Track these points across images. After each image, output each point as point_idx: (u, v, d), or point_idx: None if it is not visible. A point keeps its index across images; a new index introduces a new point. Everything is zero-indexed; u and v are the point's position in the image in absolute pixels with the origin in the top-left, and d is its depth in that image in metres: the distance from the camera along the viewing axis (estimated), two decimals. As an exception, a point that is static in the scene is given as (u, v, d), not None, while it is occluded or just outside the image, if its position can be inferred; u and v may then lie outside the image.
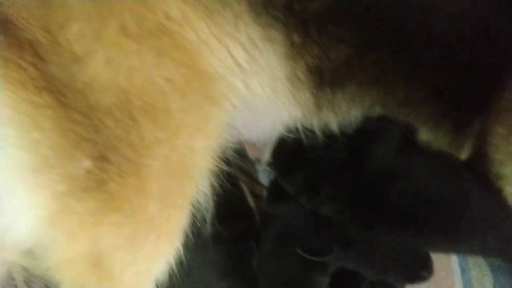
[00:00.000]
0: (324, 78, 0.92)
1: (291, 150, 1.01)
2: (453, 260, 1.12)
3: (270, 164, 1.08)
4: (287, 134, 1.01)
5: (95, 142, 0.77)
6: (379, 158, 0.97)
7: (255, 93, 0.92)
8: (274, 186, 1.08)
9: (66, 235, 0.82)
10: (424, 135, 0.98)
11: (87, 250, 0.82)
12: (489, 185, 0.93)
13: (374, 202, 0.93)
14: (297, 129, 1.00)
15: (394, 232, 0.93)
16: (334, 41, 0.89)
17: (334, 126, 0.98)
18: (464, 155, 0.99)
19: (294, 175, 0.99)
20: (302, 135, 0.99)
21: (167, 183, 0.83)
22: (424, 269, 0.94)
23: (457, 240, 0.92)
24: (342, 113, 0.96)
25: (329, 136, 1.00)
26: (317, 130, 0.98)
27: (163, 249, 0.87)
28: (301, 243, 0.98)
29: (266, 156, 1.10)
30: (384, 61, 0.91)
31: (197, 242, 0.91)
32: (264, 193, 1.12)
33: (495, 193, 0.92)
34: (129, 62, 0.79)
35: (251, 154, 1.16)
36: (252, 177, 1.15)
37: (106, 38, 0.78)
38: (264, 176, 1.14)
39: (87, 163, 0.77)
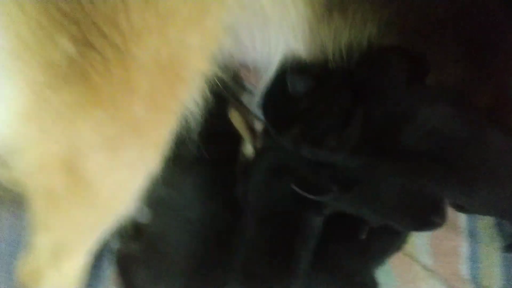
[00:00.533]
0: None
1: (281, 102, 0.92)
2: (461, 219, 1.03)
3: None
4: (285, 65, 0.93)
5: (80, 23, 0.68)
6: (388, 96, 0.88)
7: None
8: None
9: (40, 133, 0.74)
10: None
11: (63, 151, 0.74)
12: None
13: (387, 147, 0.85)
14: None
15: (408, 176, 0.85)
16: None
17: (345, 40, 0.89)
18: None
19: (290, 129, 0.89)
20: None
21: (157, 81, 0.74)
22: (436, 215, 0.84)
23: (474, 188, 0.84)
24: (355, 25, 0.87)
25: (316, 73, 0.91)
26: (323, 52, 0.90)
27: (147, 160, 0.79)
28: (296, 177, 0.89)
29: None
30: None
31: (178, 162, 0.83)
32: (259, 125, 1.04)
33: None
34: None
35: (249, 82, 1.06)
36: (247, 109, 1.06)
37: None
38: None
39: (69, 48, 0.68)
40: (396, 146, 0.85)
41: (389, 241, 0.93)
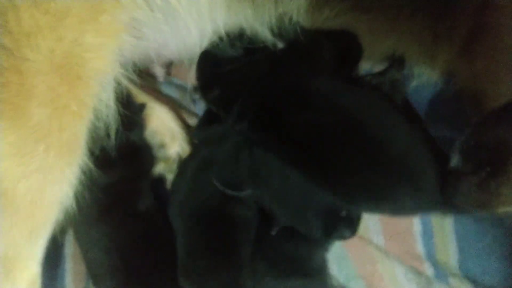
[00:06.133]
0: None
1: (213, 64, 0.88)
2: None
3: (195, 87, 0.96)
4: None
5: None
6: (299, 79, 0.81)
7: None
8: (206, 112, 0.96)
9: None
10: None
11: None
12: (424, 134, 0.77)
13: (280, 125, 0.78)
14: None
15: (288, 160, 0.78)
16: None
17: (272, 20, 0.83)
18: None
19: (210, 92, 0.86)
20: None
21: (54, 83, 0.70)
22: (346, 226, 0.79)
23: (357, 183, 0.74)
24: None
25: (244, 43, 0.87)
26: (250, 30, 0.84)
27: (57, 163, 0.75)
28: (219, 173, 0.85)
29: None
30: None
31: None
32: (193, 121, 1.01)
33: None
34: None
35: (183, 79, 1.03)
36: (184, 107, 1.03)
37: None
38: (200, 106, 1.01)
39: None
40: (287, 127, 0.77)
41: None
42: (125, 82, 0.81)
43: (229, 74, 0.85)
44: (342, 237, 0.81)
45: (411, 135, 0.73)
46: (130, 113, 0.85)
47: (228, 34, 0.86)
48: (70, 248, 1.00)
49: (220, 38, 0.86)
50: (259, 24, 0.86)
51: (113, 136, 0.82)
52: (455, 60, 0.82)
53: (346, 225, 0.79)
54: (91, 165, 0.79)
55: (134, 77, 0.84)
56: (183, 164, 0.93)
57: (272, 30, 0.87)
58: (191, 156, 0.94)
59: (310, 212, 0.80)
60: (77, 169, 0.78)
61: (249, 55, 0.86)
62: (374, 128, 0.73)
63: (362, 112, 0.74)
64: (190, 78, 0.98)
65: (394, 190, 0.72)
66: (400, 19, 0.80)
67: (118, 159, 0.84)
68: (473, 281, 0.94)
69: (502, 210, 0.64)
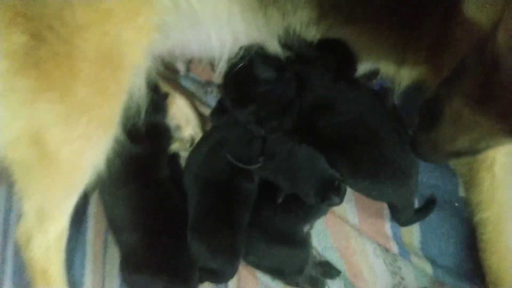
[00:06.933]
0: None
1: (243, 81, 1.03)
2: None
3: (220, 88, 1.11)
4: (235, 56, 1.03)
5: (31, 17, 0.80)
6: (316, 90, 1.01)
7: None
8: (220, 101, 1.11)
9: (10, 112, 0.86)
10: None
11: (29, 126, 0.86)
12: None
13: (305, 129, 0.99)
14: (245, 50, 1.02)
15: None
16: None
17: (281, 30, 0.98)
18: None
19: (245, 107, 1.01)
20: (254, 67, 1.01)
21: (98, 68, 0.85)
22: (335, 194, 0.95)
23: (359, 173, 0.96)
24: (289, 14, 0.96)
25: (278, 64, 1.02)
26: (264, 41, 0.99)
27: (96, 132, 0.89)
28: (232, 150, 1.00)
29: (215, 78, 1.12)
30: None
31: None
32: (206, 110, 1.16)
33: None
34: None
35: (200, 75, 1.19)
36: (198, 98, 1.18)
37: None
38: (212, 97, 1.17)
39: (24, 38, 0.80)
40: (314, 130, 0.98)
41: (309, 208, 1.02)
42: (153, 73, 0.96)
43: (265, 94, 1.01)
44: (332, 204, 0.96)
45: (398, 134, 0.95)
46: (156, 99, 1.01)
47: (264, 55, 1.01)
48: (93, 208, 1.14)
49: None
50: (270, 35, 1.00)
51: (142, 115, 0.97)
52: (423, 69, 0.95)
53: (336, 194, 0.94)
54: (123, 137, 0.93)
55: (161, 69, 0.99)
56: (198, 144, 1.09)
57: (280, 41, 1.01)
58: (205, 137, 1.09)
59: (309, 183, 0.95)
60: (112, 139, 0.92)
61: (280, 79, 1.02)
62: (372, 125, 0.96)
63: (367, 114, 0.97)
64: (205, 74, 1.14)
65: (385, 178, 0.93)
66: (377, 31, 0.95)
67: (145, 134, 1.00)
68: (431, 260, 1.05)
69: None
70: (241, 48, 1.01)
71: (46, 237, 0.96)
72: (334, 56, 1.02)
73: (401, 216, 1.00)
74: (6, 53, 0.81)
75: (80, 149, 0.89)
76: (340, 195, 0.95)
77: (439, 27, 0.89)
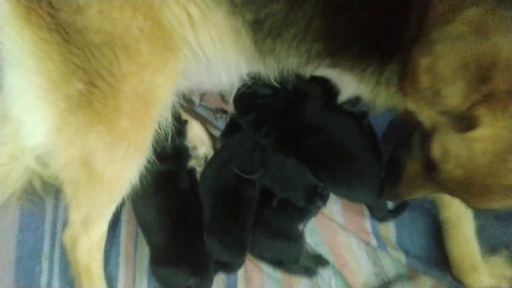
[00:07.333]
0: (263, 29, 1.07)
1: (248, 97, 1.26)
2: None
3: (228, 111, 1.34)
4: (243, 87, 1.24)
5: (87, 70, 0.98)
6: (307, 114, 1.23)
7: (206, 44, 1.09)
8: (229, 124, 1.33)
9: (65, 141, 1.04)
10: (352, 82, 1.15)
11: (80, 152, 1.04)
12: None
13: (295, 145, 1.21)
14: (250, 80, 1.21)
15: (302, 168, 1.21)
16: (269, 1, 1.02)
17: (276, 72, 1.17)
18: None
19: (248, 115, 1.24)
20: (256, 86, 1.23)
21: (136, 106, 1.04)
22: (319, 199, 1.16)
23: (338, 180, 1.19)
24: (282, 61, 1.13)
25: (276, 87, 1.23)
26: (264, 77, 1.19)
27: (133, 155, 1.08)
28: (238, 164, 1.22)
29: (225, 107, 1.34)
30: (311, 15, 1.03)
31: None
32: (217, 132, 1.38)
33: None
34: (114, 13, 0.98)
35: (211, 104, 1.39)
36: (210, 123, 1.39)
37: None
38: (221, 122, 1.38)
39: (80, 86, 0.99)
40: (300, 147, 1.20)
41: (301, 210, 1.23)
42: (176, 105, 1.15)
43: (262, 106, 1.24)
44: (317, 206, 1.17)
45: (370, 151, 1.17)
46: (178, 125, 1.21)
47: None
48: (125, 214, 1.31)
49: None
50: (268, 75, 1.20)
51: (169, 139, 1.16)
52: (393, 98, 1.12)
53: (320, 198, 1.15)
54: (153, 157, 1.12)
55: (182, 102, 1.19)
56: (210, 160, 1.30)
57: (275, 80, 1.21)
58: (216, 155, 1.30)
59: (298, 189, 1.17)
60: (145, 159, 1.09)
61: (276, 94, 1.24)
62: (349, 145, 1.17)
63: (344, 135, 1.19)
64: (216, 103, 1.36)
65: (356, 185, 1.16)
66: (355, 71, 1.13)
67: (170, 155, 1.21)
68: (405, 251, 1.21)
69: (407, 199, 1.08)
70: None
71: (89, 240, 1.12)
72: (323, 89, 1.23)
73: (376, 213, 1.22)
74: (66, 97, 0.99)
75: (120, 169, 1.06)
76: (324, 199, 1.16)
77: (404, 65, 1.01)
